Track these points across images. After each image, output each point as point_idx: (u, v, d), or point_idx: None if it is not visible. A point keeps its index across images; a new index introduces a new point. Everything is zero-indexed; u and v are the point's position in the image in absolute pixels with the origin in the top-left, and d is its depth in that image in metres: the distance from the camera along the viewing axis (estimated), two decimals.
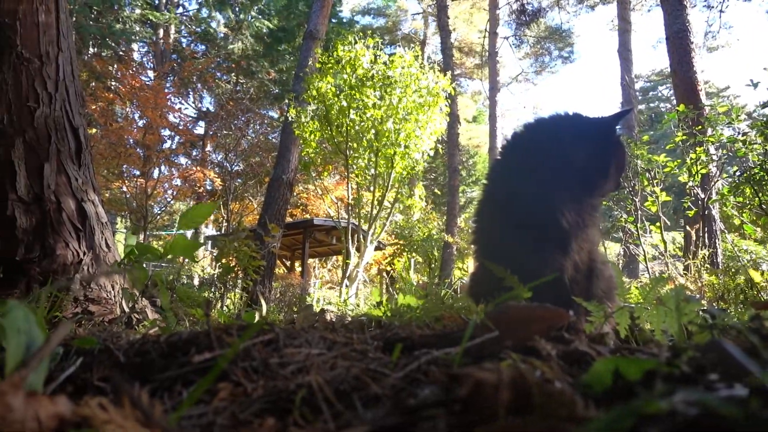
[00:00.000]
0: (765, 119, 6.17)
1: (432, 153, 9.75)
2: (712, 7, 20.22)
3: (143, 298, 2.72)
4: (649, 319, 1.16)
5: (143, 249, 1.86)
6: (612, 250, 15.56)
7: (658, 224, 6.72)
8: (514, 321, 0.82)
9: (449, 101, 10.15)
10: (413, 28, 27.34)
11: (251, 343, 0.84)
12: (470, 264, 18.06)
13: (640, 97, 39.32)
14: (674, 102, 9.93)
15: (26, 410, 0.51)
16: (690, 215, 6.60)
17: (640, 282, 7.86)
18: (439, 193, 23.98)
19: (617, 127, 2.03)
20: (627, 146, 6.70)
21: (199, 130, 23.70)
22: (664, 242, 6.66)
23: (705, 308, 1.26)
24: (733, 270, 5.90)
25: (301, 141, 10.19)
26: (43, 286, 2.27)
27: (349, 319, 9.05)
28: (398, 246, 17.49)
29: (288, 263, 19.57)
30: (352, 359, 0.79)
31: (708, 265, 6.69)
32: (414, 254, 17.42)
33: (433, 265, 16.98)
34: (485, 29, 22.48)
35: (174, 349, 0.87)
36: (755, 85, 6.26)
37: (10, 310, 0.69)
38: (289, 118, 10.12)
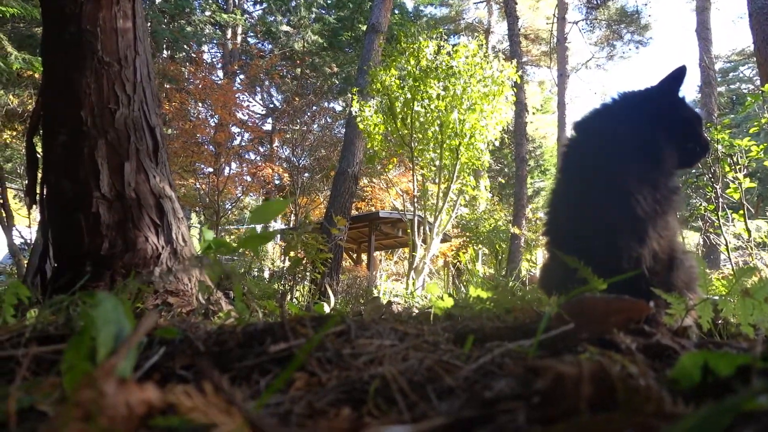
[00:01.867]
0: None
1: (497, 143, 9.61)
2: None
3: (217, 291, 2.82)
4: (735, 312, 1.10)
5: (218, 243, 1.93)
6: (691, 239, 14.86)
7: (741, 212, 6.36)
8: (590, 313, 0.79)
9: (515, 90, 9.96)
10: (477, 17, 26.94)
11: (323, 334, 0.85)
12: (539, 256, 17.70)
13: (719, 79, 37.28)
14: (758, 82, 9.35)
15: (118, 396, 0.54)
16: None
17: (722, 273, 7.48)
18: (505, 183, 23.60)
19: (675, 89, 1.93)
20: (705, 127, 6.38)
21: (267, 126, 24.31)
22: (748, 231, 6.30)
23: None
24: None
25: (365, 134, 10.26)
26: (125, 279, 2.39)
27: (416, 311, 9.09)
28: (464, 238, 17.36)
29: (354, 256, 19.81)
30: (423, 351, 0.79)
31: None
32: (481, 246, 17.25)
33: (500, 257, 16.75)
34: (554, 15, 21.88)
35: (250, 339, 0.90)
36: None
37: (100, 302, 0.73)
38: (353, 113, 10.22)
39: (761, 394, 0.40)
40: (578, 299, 0.83)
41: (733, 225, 6.57)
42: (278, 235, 18.73)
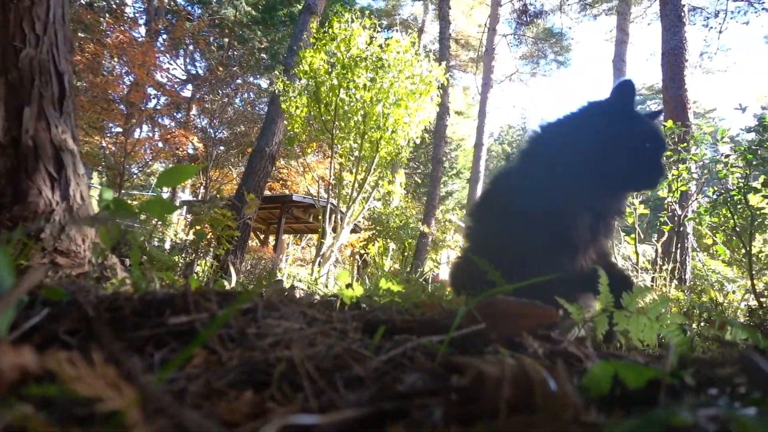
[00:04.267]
0: (747, 144, 6.26)
1: (418, 141, 9.73)
2: (712, 27, 20.44)
3: (113, 255, 2.65)
4: (629, 328, 1.16)
5: (118, 204, 1.80)
6: None
7: (632, 236, 6.79)
8: (502, 315, 0.80)
9: (441, 92, 10.11)
10: (412, 14, 27.13)
11: (232, 310, 0.80)
12: (444, 256, 18.13)
13: None
14: (662, 118, 10.01)
15: None
16: (665, 230, 6.68)
17: None
18: (419, 182, 23.97)
19: (628, 104, 1.89)
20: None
21: (186, 93, 23.30)
22: (637, 254, 6.75)
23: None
24: (699, 288, 6.00)
25: (287, 115, 10.07)
26: (11, 233, 2.20)
27: (318, 298, 9.02)
28: (374, 231, 17.47)
29: (262, 237, 19.45)
30: (332, 337, 0.76)
31: (676, 281, 6.80)
32: (389, 240, 17.42)
33: (406, 254, 17.00)
34: (485, 24, 22.41)
35: (148, 308, 0.83)
36: (743, 110, 6.34)
37: None
38: (276, 91, 9.98)
39: (684, 410, 0.41)
40: (491, 300, 0.83)
41: (624, 248, 7.00)
42: (184, 207, 18.04)
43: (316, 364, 0.65)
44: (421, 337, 0.78)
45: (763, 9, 19.35)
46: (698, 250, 7.83)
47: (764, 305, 5.55)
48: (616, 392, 0.56)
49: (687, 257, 7.89)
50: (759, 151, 5.99)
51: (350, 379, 0.63)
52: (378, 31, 9.40)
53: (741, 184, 6.11)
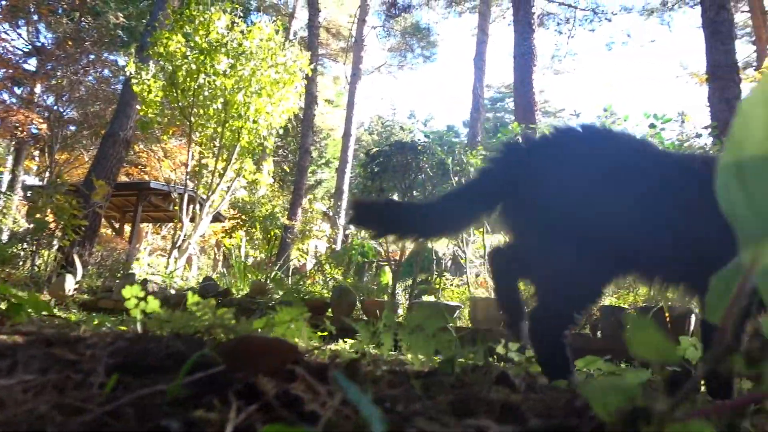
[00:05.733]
0: None
1: (281, 131, 9.61)
2: (563, 33, 22.10)
3: None
4: (408, 344, 1.23)
5: None
6: (441, 250, 16.38)
7: (481, 229, 7.21)
8: (244, 353, 0.81)
9: (307, 81, 10.05)
10: None
11: None
12: (312, 245, 18.10)
13: (489, 106, 41.89)
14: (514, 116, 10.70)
15: None
16: None
17: (462, 281, 8.37)
18: (288, 170, 23.72)
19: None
20: (465, 155, 7.11)
21: (30, 66, 21.11)
22: (485, 246, 7.18)
23: None
24: None
25: (140, 99, 9.51)
26: None
27: (173, 292, 8.58)
28: (239, 220, 17.03)
29: (117, 225, 18.26)
30: (65, 388, 0.73)
31: None
32: (255, 230, 17.08)
33: (271, 244, 16.77)
34: (355, 15, 22.54)
35: None
36: (577, 115, 6.94)
37: None
38: (129, 73, 9.38)
39: None
40: (240, 338, 0.84)
41: (473, 241, 7.41)
42: (26, 192, 16.44)
43: None
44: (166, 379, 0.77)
45: (606, 18, 21.26)
46: None
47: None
48: None
49: None
50: None
51: None
52: (240, 17, 9.13)
53: None
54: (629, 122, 6.52)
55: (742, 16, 22.61)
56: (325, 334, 1.76)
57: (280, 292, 7.69)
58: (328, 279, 8.25)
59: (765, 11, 20.57)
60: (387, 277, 8.91)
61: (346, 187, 19.82)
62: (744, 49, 22.87)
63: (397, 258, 8.01)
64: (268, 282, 7.89)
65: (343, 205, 19.07)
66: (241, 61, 8.66)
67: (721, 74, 10.38)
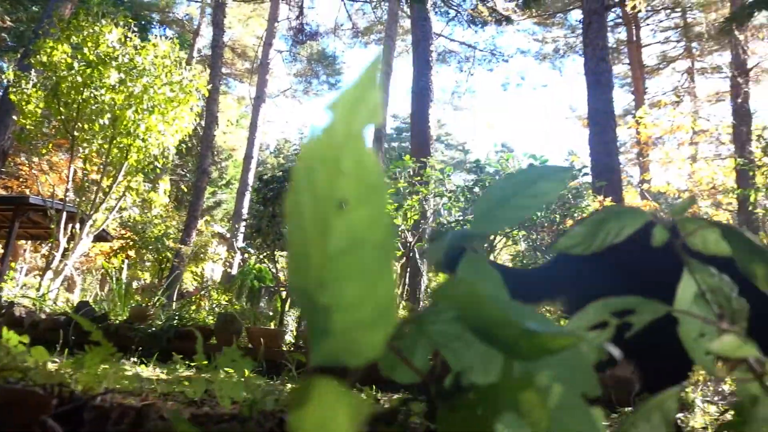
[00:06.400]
0: (472, 183, 7.16)
1: (173, 151, 9.32)
2: (463, 70, 23.07)
3: None
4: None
5: None
6: None
7: None
8: None
9: (206, 101, 9.84)
10: (188, 14, 26.02)
11: None
12: (208, 268, 17.51)
13: (395, 136, 42.76)
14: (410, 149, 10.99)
15: None
16: (398, 254, 7.31)
17: None
18: (186, 190, 22.92)
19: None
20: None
21: None
22: None
23: None
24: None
25: (19, 109, 8.90)
26: None
27: (44, 316, 8.01)
28: (129, 240, 16.21)
29: None
30: None
31: (405, 300, 7.48)
32: (145, 251, 16.30)
33: (163, 266, 16.07)
34: (262, 37, 22.40)
35: None
36: (465, 152, 7.25)
37: None
38: (7, 81, 8.78)
39: None
40: None
41: None
42: None
43: None
44: None
45: (503, 60, 22.45)
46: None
47: None
48: None
49: (421, 278, 8.71)
50: (475, 189, 6.87)
51: None
52: (134, 31, 8.81)
53: (461, 218, 6.95)
54: (513, 161, 6.89)
55: (624, 68, 24.64)
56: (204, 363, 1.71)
57: (163, 318, 7.38)
58: (214, 305, 8.02)
59: (643, 65, 22.57)
60: (278, 304, 8.77)
61: (245, 210, 19.43)
62: (626, 98, 24.92)
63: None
64: (149, 307, 7.54)
65: (241, 228, 18.65)
66: (132, 77, 8.34)
67: (600, 119, 11.24)
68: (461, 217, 6.88)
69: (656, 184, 16.66)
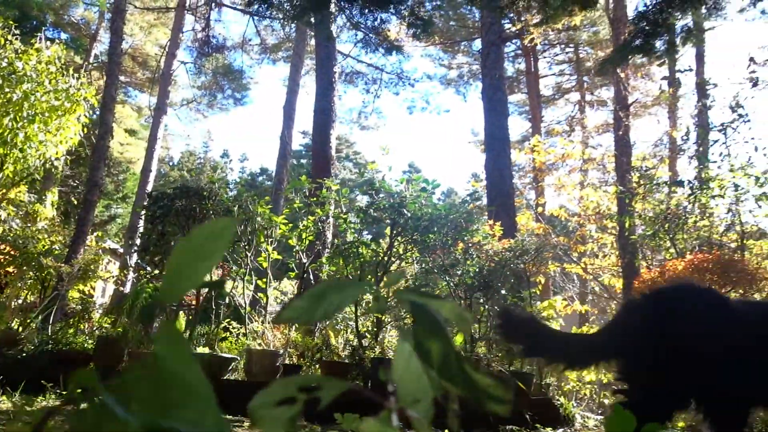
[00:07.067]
0: (366, 205, 7.22)
1: (56, 163, 8.78)
2: (370, 92, 23.39)
3: None
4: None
5: None
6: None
7: (264, 279, 7.19)
8: None
9: (98, 110, 9.34)
10: (84, 18, 24.69)
11: None
12: (99, 287, 16.51)
13: (303, 152, 42.56)
14: (311, 168, 10.93)
15: None
16: (292, 276, 7.24)
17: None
18: (77, 203, 21.58)
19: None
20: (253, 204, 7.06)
21: None
22: (267, 297, 7.15)
23: None
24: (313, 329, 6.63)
25: None
26: None
27: None
28: (6, 256, 15.01)
29: None
30: None
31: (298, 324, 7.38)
32: (26, 268, 15.16)
33: (47, 284, 15.00)
34: (165, 47, 21.67)
35: None
36: (362, 173, 7.33)
37: None
38: None
39: None
40: None
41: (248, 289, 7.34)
42: None
43: None
44: None
45: (409, 84, 22.99)
46: None
47: (362, 343, 6.40)
48: None
49: None
50: (369, 211, 6.94)
51: None
52: (15, 35, 8.25)
53: (355, 239, 6.99)
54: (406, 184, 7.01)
55: (524, 96, 25.92)
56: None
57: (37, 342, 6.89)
58: (94, 328, 7.60)
59: (540, 94, 23.86)
60: (181, 324, 8.43)
61: (141, 226, 18.56)
62: (525, 125, 26.21)
63: (194, 303, 7.63)
64: (19, 331, 7.03)
65: (136, 244, 17.78)
66: (11, 82, 7.79)
67: (495, 146, 11.74)
68: (357, 238, 6.92)
69: (550, 208, 17.61)
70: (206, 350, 6.33)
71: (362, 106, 23.15)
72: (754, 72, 8.08)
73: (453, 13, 20.47)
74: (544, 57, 24.56)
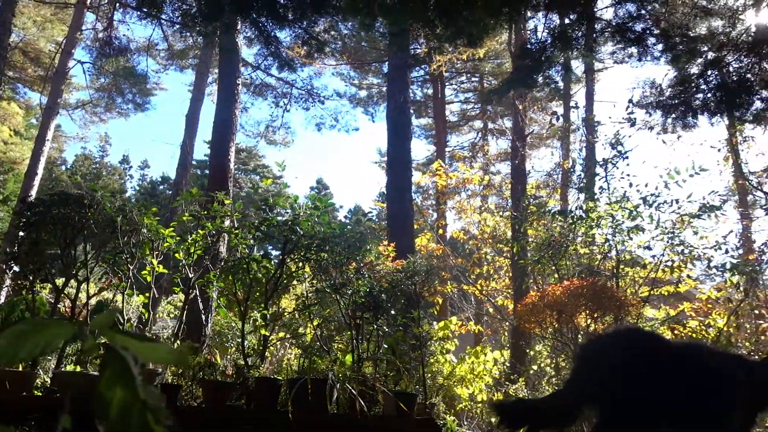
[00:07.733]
0: (258, 221, 7.08)
1: None
2: (280, 106, 23.14)
3: None
4: None
5: None
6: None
7: (147, 294, 6.86)
8: None
9: None
10: None
11: None
12: None
13: (209, 163, 41.35)
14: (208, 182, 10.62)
15: None
16: (177, 290, 6.96)
17: None
18: None
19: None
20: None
21: None
22: (149, 312, 6.83)
23: None
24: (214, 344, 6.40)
25: None
26: None
27: None
28: None
29: None
30: None
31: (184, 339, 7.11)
32: None
33: None
34: (61, 44, 20.43)
35: None
36: (256, 189, 7.19)
37: None
38: None
39: None
40: None
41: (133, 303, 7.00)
42: None
43: None
44: None
45: (319, 101, 22.97)
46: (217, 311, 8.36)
47: (248, 363, 6.23)
48: None
49: (209, 315, 8.37)
50: (262, 227, 6.82)
51: None
52: None
53: (245, 255, 6.84)
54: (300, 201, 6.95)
55: (430, 120, 26.60)
56: None
57: None
58: None
59: (446, 119, 24.58)
60: None
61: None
62: (431, 148, 26.84)
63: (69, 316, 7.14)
64: None
65: (14, 251, 16.48)
66: None
67: (397, 167, 11.94)
68: (247, 254, 6.77)
69: (452, 230, 18.13)
70: (76, 368, 5.93)
71: (270, 120, 22.79)
72: (632, 113, 8.72)
73: (365, 33, 20.72)
74: (451, 84, 25.36)
